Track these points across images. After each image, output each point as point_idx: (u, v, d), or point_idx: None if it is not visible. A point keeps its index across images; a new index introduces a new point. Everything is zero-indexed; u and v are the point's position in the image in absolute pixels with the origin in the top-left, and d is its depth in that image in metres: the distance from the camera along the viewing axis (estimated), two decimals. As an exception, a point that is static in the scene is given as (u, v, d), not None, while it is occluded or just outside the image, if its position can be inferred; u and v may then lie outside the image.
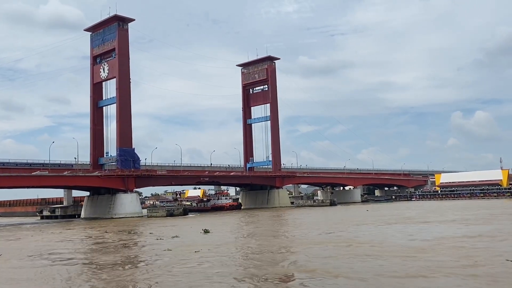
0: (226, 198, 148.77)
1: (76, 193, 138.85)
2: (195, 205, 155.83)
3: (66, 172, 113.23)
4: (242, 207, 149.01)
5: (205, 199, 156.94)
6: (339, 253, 32.02)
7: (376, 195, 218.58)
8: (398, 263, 26.97)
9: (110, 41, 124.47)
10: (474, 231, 44.59)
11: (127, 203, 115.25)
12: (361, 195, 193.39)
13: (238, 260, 30.47)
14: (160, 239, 48.26)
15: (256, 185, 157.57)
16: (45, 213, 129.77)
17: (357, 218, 72.69)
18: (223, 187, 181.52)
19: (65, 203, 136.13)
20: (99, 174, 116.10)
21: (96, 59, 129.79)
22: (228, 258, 31.31)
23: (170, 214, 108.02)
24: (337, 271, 24.82)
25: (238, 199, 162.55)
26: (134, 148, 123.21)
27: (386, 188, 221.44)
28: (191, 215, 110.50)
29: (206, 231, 52.08)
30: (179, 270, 27.28)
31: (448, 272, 23.62)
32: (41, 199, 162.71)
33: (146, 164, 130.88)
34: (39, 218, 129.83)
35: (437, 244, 34.78)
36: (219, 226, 66.13)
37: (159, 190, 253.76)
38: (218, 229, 58.81)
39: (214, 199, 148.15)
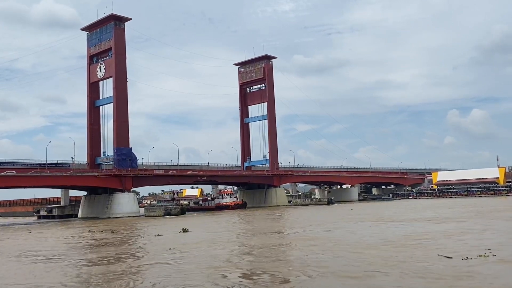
0: (231, 197, 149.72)
1: (74, 192, 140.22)
2: (193, 204, 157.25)
3: (70, 173, 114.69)
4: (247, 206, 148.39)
5: (209, 198, 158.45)
6: (297, 250, 33.51)
7: (373, 193, 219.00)
8: (341, 258, 28.48)
9: (107, 40, 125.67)
10: (437, 229, 45.63)
11: (124, 203, 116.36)
12: (358, 193, 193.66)
13: (204, 258, 31.63)
14: (141, 237, 49.69)
15: (254, 184, 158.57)
16: (42, 213, 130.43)
17: (340, 217, 73.78)
18: (225, 186, 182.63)
19: (62, 203, 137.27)
20: (96, 173, 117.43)
21: (93, 59, 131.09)
22: (196, 256, 32.46)
23: (168, 214, 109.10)
24: (277, 268, 26.37)
25: (236, 198, 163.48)
26: (131, 148, 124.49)
27: (383, 187, 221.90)
28: (190, 214, 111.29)
29: (184, 230, 53.34)
30: (145, 268, 28.38)
31: (376, 267, 24.98)
32: (42, 199, 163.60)
33: (143, 164, 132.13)
34: (36, 218, 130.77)
35: (389, 242, 36.10)
36: (209, 225, 67.47)
37: (157, 189, 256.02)
38: (211, 228, 59.77)
39: (218, 198, 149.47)
